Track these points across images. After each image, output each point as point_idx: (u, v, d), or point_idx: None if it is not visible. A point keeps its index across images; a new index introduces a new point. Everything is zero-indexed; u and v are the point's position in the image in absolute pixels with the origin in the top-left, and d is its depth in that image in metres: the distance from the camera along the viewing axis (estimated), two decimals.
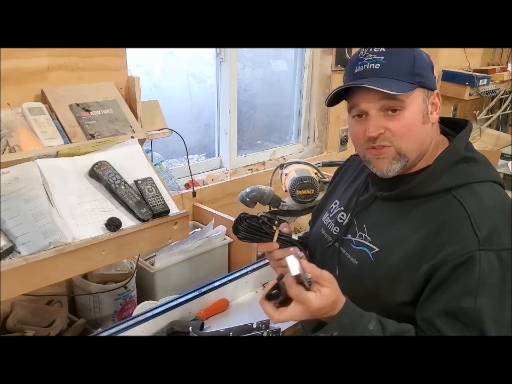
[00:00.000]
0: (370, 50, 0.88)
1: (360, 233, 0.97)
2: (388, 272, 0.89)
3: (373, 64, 0.87)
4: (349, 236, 0.99)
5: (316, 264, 1.08)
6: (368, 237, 0.95)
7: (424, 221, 0.88)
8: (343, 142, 2.57)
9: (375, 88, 0.84)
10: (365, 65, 0.88)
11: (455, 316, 0.82)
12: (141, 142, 1.32)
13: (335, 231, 1.03)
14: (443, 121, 0.97)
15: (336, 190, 1.14)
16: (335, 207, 1.08)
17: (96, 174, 1.16)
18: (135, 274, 1.54)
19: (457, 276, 0.82)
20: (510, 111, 3.31)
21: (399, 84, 0.85)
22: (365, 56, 0.88)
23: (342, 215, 1.04)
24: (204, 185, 1.99)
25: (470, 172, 0.90)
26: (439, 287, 0.84)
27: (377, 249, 0.92)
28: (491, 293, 0.81)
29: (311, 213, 1.68)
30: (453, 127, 0.97)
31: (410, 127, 0.87)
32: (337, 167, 1.24)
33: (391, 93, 0.83)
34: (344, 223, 1.02)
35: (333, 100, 0.94)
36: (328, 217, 1.08)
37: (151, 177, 1.23)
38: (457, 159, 0.90)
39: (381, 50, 0.87)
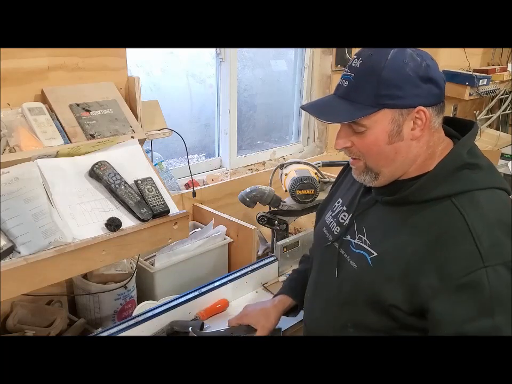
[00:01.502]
0: (350, 64, 0.89)
1: (359, 235, 0.97)
2: (386, 279, 0.88)
3: (344, 81, 0.90)
4: (348, 237, 0.99)
5: (316, 264, 1.09)
6: (367, 241, 0.94)
7: (423, 228, 0.87)
8: None
9: (317, 119, 0.91)
10: (342, 79, 0.91)
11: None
12: (141, 142, 1.32)
13: (336, 231, 1.03)
14: (449, 122, 0.96)
15: (340, 188, 1.14)
16: (338, 206, 1.08)
17: (96, 174, 1.16)
18: (135, 274, 1.54)
19: (466, 298, 0.80)
20: (510, 111, 3.31)
21: (356, 107, 0.86)
22: (345, 69, 0.91)
23: (344, 215, 1.03)
24: (204, 185, 1.99)
25: (472, 179, 0.87)
26: (448, 312, 0.81)
27: (375, 254, 0.92)
28: (507, 307, 0.78)
29: (310, 213, 1.68)
30: (459, 129, 0.95)
31: (373, 147, 0.89)
32: (337, 167, 1.24)
33: (333, 123, 0.90)
34: (345, 223, 1.01)
35: None
36: (330, 216, 1.08)
37: (151, 177, 1.23)
38: (458, 165, 0.88)
39: (356, 66, 0.88)
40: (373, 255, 0.92)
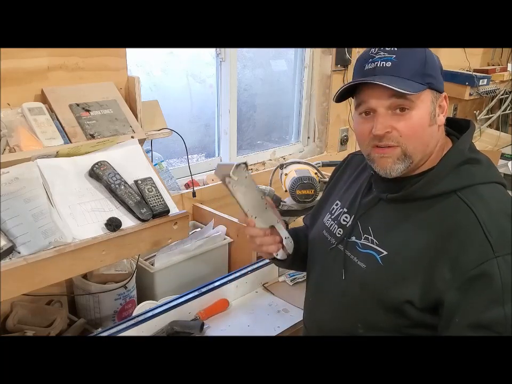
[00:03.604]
0: (382, 48, 0.88)
1: (365, 235, 0.96)
2: (397, 276, 0.89)
3: (384, 62, 0.86)
4: (353, 238, 0.98)
5: (317, 266, 1.08)
6: (375, 240, 0.94)
7: (432, 223, 0.87)
8: (343, 142, 2.57)
9: (386, 85, 0.83)
10: (375, 63, 0.87)
11: (487, 327, 0.80)
12: (141, 142, 1.32)
13: (338, 233, 1.03)
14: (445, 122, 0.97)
15: (336, 190, 1.13)
16: (337, 208, 1.07)
17: (96, 174, 1.16)
18: (135, 274, 1.54)
19: (479, 288, 0.81)
20: (510, 111, 3.31)
21: (409, 83, 0.85)
22: (376, 54, 0.88)
23: (346, 217, 1.03)
24: (204, 185, 1.99)
25: (474, 173, 0.89)
26: (461, 304, 0.82)
27: (385, 252, 0.91)
28: None
29: None
30: (454, 127, 0.97)
31: (418, 128, 0.87)
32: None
33: (401, 91, 0.83)
34: (348, 225, 1.01)
35: (341, 96, 0.94)
36: (330, 219, 1.07)
37: (151, 177, 1.23)
38: (461, 161, 0.89)
39: (392, 49, 0.87)
40: (383, 254, 0.92)
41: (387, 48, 0.87)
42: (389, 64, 0.86)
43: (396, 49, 0.87)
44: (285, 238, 1.02)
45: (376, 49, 0.88)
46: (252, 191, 0.95)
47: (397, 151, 0.88)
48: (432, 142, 0.90)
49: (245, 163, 0.92)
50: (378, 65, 0.87)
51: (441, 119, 0.90)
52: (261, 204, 0.97)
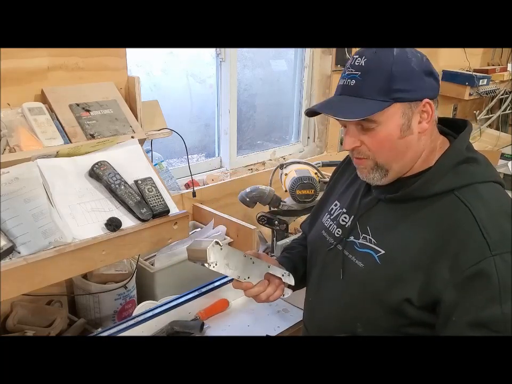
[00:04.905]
0: (353, 63, 0.89)
1: (364, 235, 0.97)
2: (396, 274, 0.89)
3: (350, 80, 0.89)
4: (352, 238, 0.99)
5: (317, 266, 1.08)
6: (373, 239, 0.95)
7: (430, 222, 0.88)
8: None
9: (335, 118, 0.88)
10: (344, 80, 0.90)
11: (485, 325, 0.81)
12: (141, 142, 1.32)
13: (337, 233, 1.03)
14: (442, 122, 0.97)
15: (335, 191, 1.13)
16: (336, 209, 1.08)
17: (96, 174, 1.16)
18: (135, 274, 1.54)
19: (476, 287, 0.81)
20: (510, 111, 3.31)
21: (370, 103, 0.86)
22: (347, 69, 0.90)
23: (345, 217, 1.03)
24: (204, 185, 1.99)
25: (472, 172, 0.90)
26: (459, 302, 0.83)
27: (383, 251, 0.92)
28: None
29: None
30: (452, 127, 0.97)
31: (385, 143, 0.89)
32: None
33: (350, 120, 0.87)
34: (347, 225, 1.01)
35: (314, 112, 0.96)
36: (329, 219, 1.08)
37: (151, 177, 1.23)
38: (459, 160, 0.90)
39: (360, 64, 0.87)
40: (381, 253, 0.92)
41: (356, 63, 0.88)
42: (353, 82, 0.88)
43: (363, 64, 0.87)
44: (282, 276, 1.02)
45: (349, 63, 0.90)
46: (233, 258, 0.93)
47: (369, 162, 0.93)
48: (410, 151, 0.90)
49: (216, 241, 0.90)
50: (345, 83, 0.90)
51: (424, 126, 0.89)
52: (247, 262, 0.96)
